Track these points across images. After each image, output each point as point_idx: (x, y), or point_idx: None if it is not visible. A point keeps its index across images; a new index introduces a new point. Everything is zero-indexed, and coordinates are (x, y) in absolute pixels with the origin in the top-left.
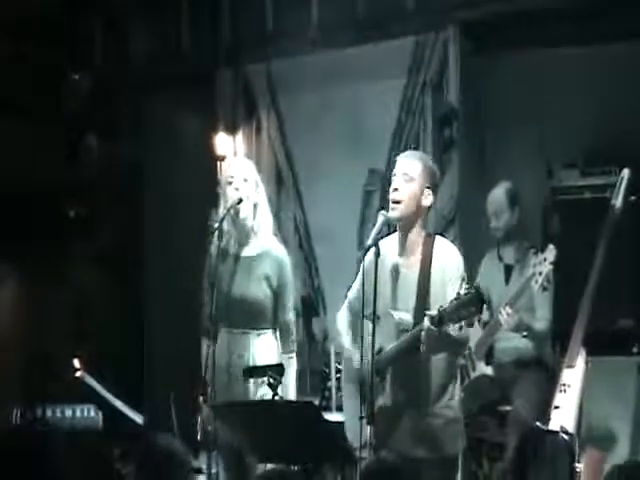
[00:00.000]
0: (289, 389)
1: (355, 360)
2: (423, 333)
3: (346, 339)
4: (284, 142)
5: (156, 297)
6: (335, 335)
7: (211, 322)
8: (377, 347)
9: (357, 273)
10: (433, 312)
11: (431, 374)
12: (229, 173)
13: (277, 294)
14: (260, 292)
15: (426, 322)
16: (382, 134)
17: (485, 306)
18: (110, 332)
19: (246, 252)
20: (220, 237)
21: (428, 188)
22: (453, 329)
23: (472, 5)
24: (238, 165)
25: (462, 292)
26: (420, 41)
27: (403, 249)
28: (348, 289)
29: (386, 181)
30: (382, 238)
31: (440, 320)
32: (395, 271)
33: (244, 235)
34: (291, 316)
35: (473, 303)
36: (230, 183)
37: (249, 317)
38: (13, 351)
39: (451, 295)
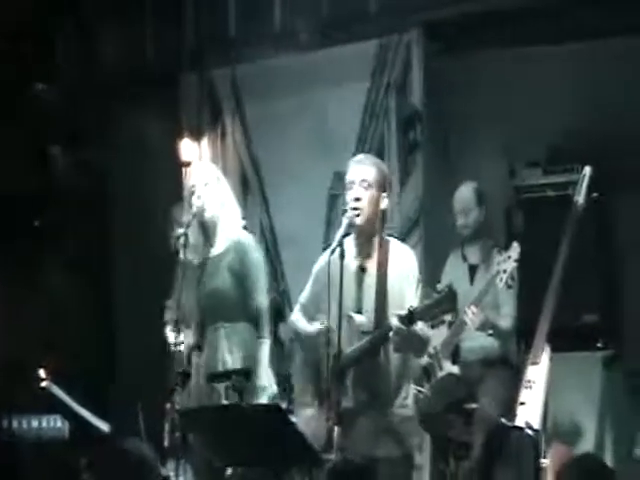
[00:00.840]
0: (261, 372)
1: (313, 333)
2: (392, 332)
3: (303, 321)
4: (249, 146)
5: (125, 303)
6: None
7: (176, 329)
8: (336, 350)
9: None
10: (402, 312)
11: (390, 374)
12: (190, 183)
13: (242, 279)
14: (225, 282)
15: (395, 321)
16: (347, 137)
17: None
18: (78, 340)
19: (213, 252)
20: (185, 245)
21: (384, 192)
22: (421, 328)
23: (435, 6)
24: (197, 173)
25: (436, 291)
26: (383, 43)
27: (360, 252)
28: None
29: None
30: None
31: (410, 319)
32: (353, 274)
33: (212, 234)
34: (261, 300)
35: (446, 301)
36: (193, 193)
37: (217, 311)
38: None
39: (410, 297)
